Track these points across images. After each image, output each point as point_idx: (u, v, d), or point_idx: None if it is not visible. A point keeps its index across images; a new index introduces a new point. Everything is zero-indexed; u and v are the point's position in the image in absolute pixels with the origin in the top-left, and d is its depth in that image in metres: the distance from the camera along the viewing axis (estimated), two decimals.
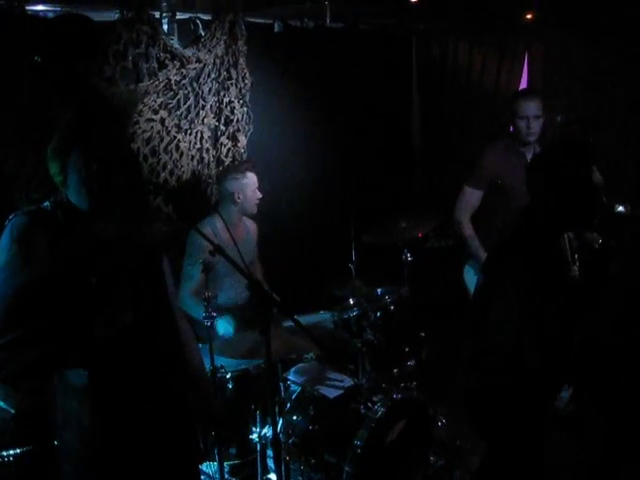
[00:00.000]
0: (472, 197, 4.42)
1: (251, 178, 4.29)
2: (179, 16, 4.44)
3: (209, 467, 3.65)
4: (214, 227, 4.12)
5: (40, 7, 3.74)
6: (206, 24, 4.59)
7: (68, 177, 2.49)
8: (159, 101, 4.32)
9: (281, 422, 3.51)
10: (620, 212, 4.36)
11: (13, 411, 2.58)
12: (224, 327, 3.92)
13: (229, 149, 4.88)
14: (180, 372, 2.79)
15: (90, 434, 2.52)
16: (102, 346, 2.50)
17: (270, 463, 3.69)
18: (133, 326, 2.56)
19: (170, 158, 4.47)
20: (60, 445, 2.57)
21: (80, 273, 2.45)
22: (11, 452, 2.61)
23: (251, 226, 4.53)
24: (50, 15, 3.75)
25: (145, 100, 4.23)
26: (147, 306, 2.62)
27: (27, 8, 3.64)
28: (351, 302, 4.12)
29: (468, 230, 4.44)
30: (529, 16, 5.39)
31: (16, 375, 2.49)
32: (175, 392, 2.74)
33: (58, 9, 3.77)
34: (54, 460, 2.57)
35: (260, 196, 4.34)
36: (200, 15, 4.56)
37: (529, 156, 4.43)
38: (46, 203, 2.55)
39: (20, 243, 2.42)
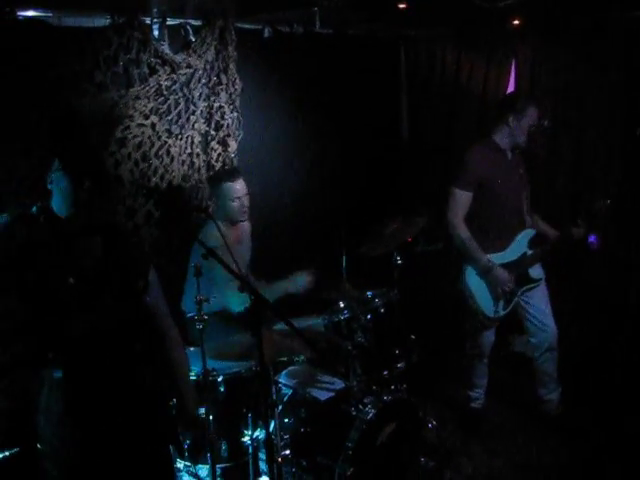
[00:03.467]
0: (462, 198, 4.42)
1: (228, 187, 4.23)
2: (170, 22, 4.45)
3: (201, 469, 3.67)
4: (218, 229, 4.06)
5: (31, 12, 3.74)
6: (196, 30, 4.61)
7: (53, 190, 2.58)
8: (150, 106, 4.34)
9: (273, 424, 3.53)
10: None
11: None
12: (237, 303, 3.77)
13: (219, 154, 4.90)
14: (157, 376, 2.84)
15: (66, 431, 2.55)
16: (77, 344, 2.55)
17: (262, 465, 3.70)
18: (111, 329, 2.61)
19: (161, 163, 4.48)
20: (42, 447, 2.59)
21: (57, 273, 2.50)
22: None
23: (248, 228, 4.55)
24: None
25: (136, 105, 4.25)
26: (128, 312, 2.68)
27: (19, 14, 3.66)
28: (341, 305, 4.14)
29: (464, 232, 4.42)
30: (516, 22, 5.44)
31: None
32: (150, 395, 2.79)
33: (50, 15, 3.79)
34: (38, 462, 2.59)
35: (247, 204, 4.30)
36: (190, 21, 4.58)
37: (509, 155, 4.50)
38: (33, 208, 2.61)
39: None
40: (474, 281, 4.50)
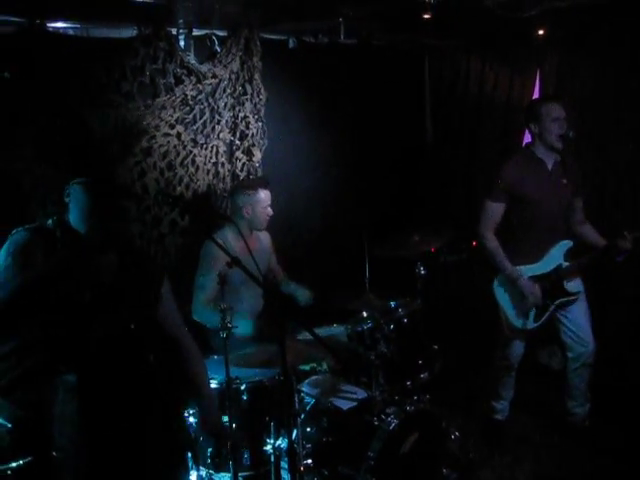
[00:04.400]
0: (494, 210, 4.40)
1: (262, 195, 4.30)
2: (195, 32, 4.51)
3: (223, 478, 3.68)
4: (225, 238, 4.14)
5: (60, 24, 3.81)
6: (222, 40, 4.66)
7: (70, 203, 2.59)
8: (175, 116, 4.39)
9: (295, 433, 3.52)
10: None
11: (9, 425, 2.60)
12: (243, 327, 3.89)
13: (244, 163, 4.94)
14: (171, 384, 2.85)
15: (80, 436, 2.57)
16: (91, 351, 2.57)
17: (284, 474, 3.70)
18: (125, 338, 2.63)
19: (186, 172, 4.53)
20: (58, 455, 2.60)
21: (75, 288, 2.52)
22: (12, 465, 2.59)
23: (264, 237, 4.57)
24: (71, 32, 3.82)
25: (162, 115, 4.29)
26: (140, 322, 2.70)
27: (48, 25, 3.72)
28: (364, 315, 4.14)
29: (492, 242, 4.41)
30: (541, 32, 5.42)
31: (10, 387, 2.55)
32: (164, 402, 2.80)
33: (78, 26, 3.85)
34: (53, 470, 2.60)
35: (271, 213, 4.35)
36: (216, 32, 4.63)
37: (550, 165, 4.42)
38: (49, 221, 2.63)
39: (15, 256, 2.52)
40: (502, 291, 4.48)
